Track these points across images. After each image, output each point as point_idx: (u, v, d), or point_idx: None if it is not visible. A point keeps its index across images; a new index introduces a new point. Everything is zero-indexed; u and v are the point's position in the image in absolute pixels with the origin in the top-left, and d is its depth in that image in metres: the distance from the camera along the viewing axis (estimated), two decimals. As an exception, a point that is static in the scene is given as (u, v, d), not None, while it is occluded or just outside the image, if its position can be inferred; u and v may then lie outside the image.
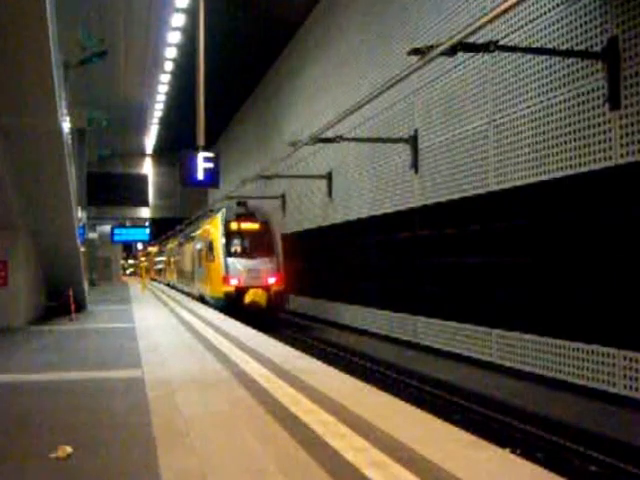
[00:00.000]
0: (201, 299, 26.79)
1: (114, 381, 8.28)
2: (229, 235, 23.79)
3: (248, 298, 22.25)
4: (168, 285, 45.35)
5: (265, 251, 23.65)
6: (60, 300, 18.15)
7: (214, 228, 24.73)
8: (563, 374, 10.51)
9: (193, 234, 31.58)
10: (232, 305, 22.20)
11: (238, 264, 23.19)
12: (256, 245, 23.74)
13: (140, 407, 6.60)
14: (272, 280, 23.05)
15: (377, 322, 17.90)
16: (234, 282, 22.78)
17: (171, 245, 44.55)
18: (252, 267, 23.15)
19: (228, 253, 23.50)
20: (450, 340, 13.92)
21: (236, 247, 23.79)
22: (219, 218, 24.53)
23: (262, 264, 23.29)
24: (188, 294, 31.46)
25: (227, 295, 22.73)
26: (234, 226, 23.96)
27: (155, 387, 7.67)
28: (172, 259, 43.40)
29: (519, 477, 4.36)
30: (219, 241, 23.77)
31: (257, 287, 22.57)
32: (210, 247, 24.70)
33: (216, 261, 23.77)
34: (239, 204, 25.08)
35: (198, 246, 28.58)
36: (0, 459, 5.06)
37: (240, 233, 23.97)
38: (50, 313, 18.01)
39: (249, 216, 24.35)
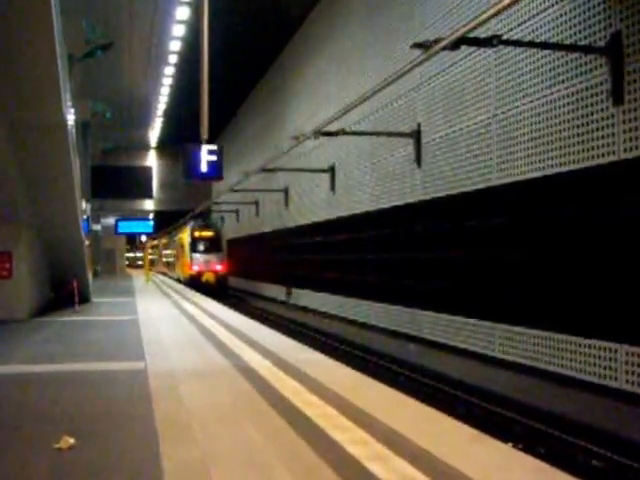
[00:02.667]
0: (177, 280, 41.66)
1: (117, 372, 8.33)
2: (194, 239, 37.92)
3: (204, 278, 36.25)
4: (160, 273, 58.90)
5: (215, 249, 37.82)
6: (64, 292, 18.22)
7: (185, 234, 39.73)
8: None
9: (174, 237, 47.47)
10: (194, 282, 35.56)
11: (199, 257, 37.39)
12: (210, 245, 37.79)
13: (143, 399, 6.64)
14: (219, 267, 37.37)
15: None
16: (196, 268, 36.96)
17: (163, 243, 61.12)
18: (207, 259, 37.32)
19: (193, 250, 37.63)
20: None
21: (198, 246, 37.71)
22: (188, 228, 39.28)
23: (213, 257, 37.51)
24: (171, 277, 47.25)
25: (191, 276, 36.92)
26: (197, 233, 38.16)
27: (158, 379, 7.72)
28: (162, 253, 62.36)
29: (521, 471, 4.38)
30: (187, 243, 38.33)
31: (209, 271, 36.74)
32: (182, 246, 40.37)
33: (186, 255, 38.65)
34: (201, 219, 40.60)
35: (176, 245, 44.79)
36: (3, 450, 5.11)
37: (201, 238, 37.97)
38: (54, 305, 18.07)
39: (206, 227, 39.05)
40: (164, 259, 58.98)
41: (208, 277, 36.21)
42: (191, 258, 37.28)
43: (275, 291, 30.00)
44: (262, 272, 33.15)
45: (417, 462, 4.49)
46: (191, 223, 39.70)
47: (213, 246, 37.67)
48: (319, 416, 5.79)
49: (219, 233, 38.64)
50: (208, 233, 38.24)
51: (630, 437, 8.31)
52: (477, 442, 5.02)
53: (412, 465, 4.43)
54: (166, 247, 55.50)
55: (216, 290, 34.34)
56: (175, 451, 4.86)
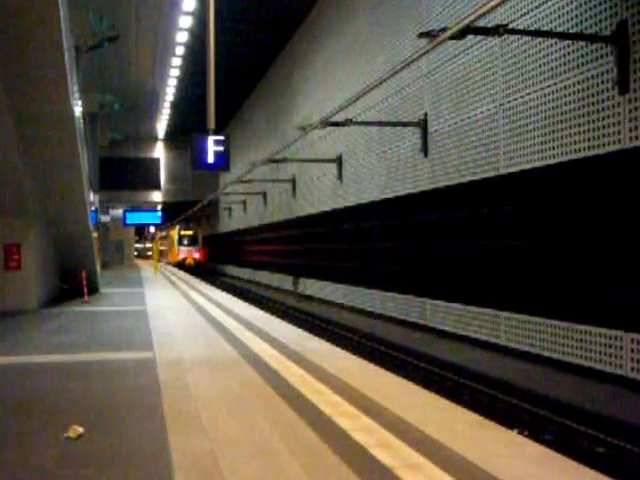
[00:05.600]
0: (168, 263, 62.49)
1: (126, 362, 8.39)
2: (180, 236, 58.38)
3: (186, 262, 56.11)
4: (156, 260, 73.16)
5: (194, 243, 58.35)
6: (73, 283, 18.32)
7: (174, 232, 60.23)
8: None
9: (167, 234, 69.64)
10: (180, 265, 54.54)
11: (183, 248, 57.76)
12: (190, 240, 58.34)
13: (151, 388, 6.70)
14: (196, 255, 57.96)
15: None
16: (181, 256, 57.32)
17: (160, 237, 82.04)
18: (188, 249, 57.76)
19: (179, 244, 58.08)
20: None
21: (183, 241, 58.15)
22: (176, 229, 59.08)
23: (192, 248, 57.90)
24: (161, 262, 61.85)
25: (178, 261, 56.77)
26: (182, 233, 58.51)
27: (166, 368, 7.78)
28: (159, 244, 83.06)
29: (526, 458, 4.41)
30: (176, 239, 58.69)
31: (189, 258, 56.94)
32: (172, 241, 61.39)
33: (174, 247, 59.36)
34: (185, 222, 58.38)
35: (168, 240, 67.08)
36: (13, 439, 5.16)
37: (185, 235, 58.61)
38: (63, 296, 18.17)
39: (188, 229, 58.98)
40: (160, 249, 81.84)
41: (189, 262, 56.84)
42: (178, 249, 58.13)
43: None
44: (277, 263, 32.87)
45: (423, 449, 4.53)
46: (178, 226, 58.93)
47: (192, 241, 58.56)
48: (325, 404, 5.84)
49: (197, 233, 59.33)
50: (189, 232, 59.05)
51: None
52: (482, 429, 5.06)
53: (418, 452, 4.48)
54: (162, 240, 78.29)
55: (195, 269, 53.39)
56: (183, 440, 4.91)
